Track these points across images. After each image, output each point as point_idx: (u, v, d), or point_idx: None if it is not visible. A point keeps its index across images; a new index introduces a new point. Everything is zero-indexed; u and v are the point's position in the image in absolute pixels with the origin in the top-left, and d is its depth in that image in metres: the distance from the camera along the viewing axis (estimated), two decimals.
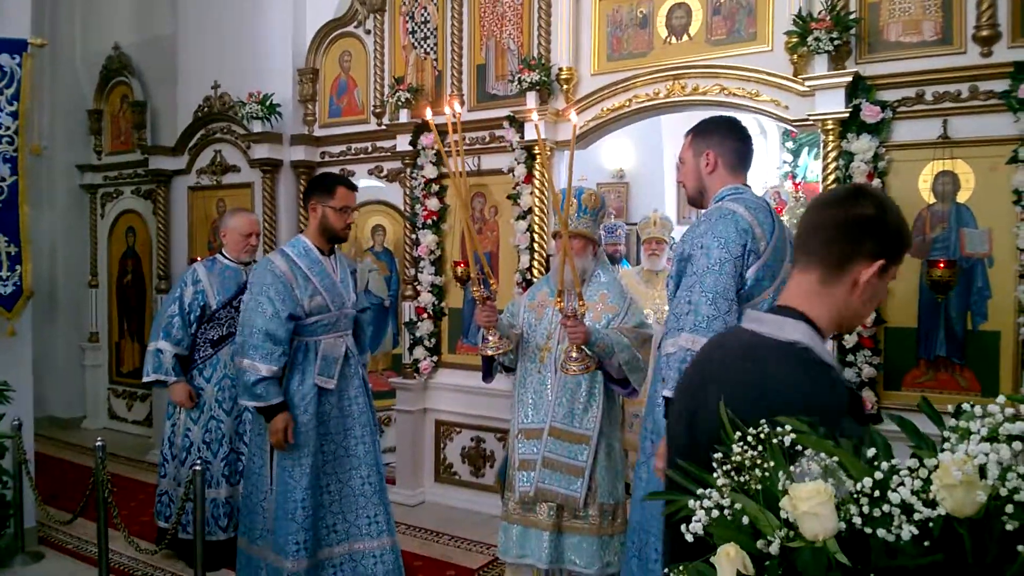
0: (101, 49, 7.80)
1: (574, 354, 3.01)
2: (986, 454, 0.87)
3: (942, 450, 0.95)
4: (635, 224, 7.25)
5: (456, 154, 3.12)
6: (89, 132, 8.02)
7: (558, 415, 3.36)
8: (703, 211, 2.74)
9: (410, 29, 5.83)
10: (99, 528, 3.86)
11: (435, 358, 5.65)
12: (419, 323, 5.62)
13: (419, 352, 5.63)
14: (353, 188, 3.72)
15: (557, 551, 3.35)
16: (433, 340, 5.64)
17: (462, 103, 5.55)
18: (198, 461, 3.69)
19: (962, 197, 3.99)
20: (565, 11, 5.05)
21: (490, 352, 3.30)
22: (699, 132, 2.76)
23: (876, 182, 4.07)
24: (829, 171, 4.23)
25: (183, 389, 4.34)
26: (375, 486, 3.73)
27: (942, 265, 3.78)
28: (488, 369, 3.64)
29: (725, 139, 2.71)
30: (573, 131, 3.07)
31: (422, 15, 5.77)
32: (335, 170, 6.22)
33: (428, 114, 3.31)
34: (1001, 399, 0.93)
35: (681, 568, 1.08)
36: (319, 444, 3.57)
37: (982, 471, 0.89)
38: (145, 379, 4.37)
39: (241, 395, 3.52)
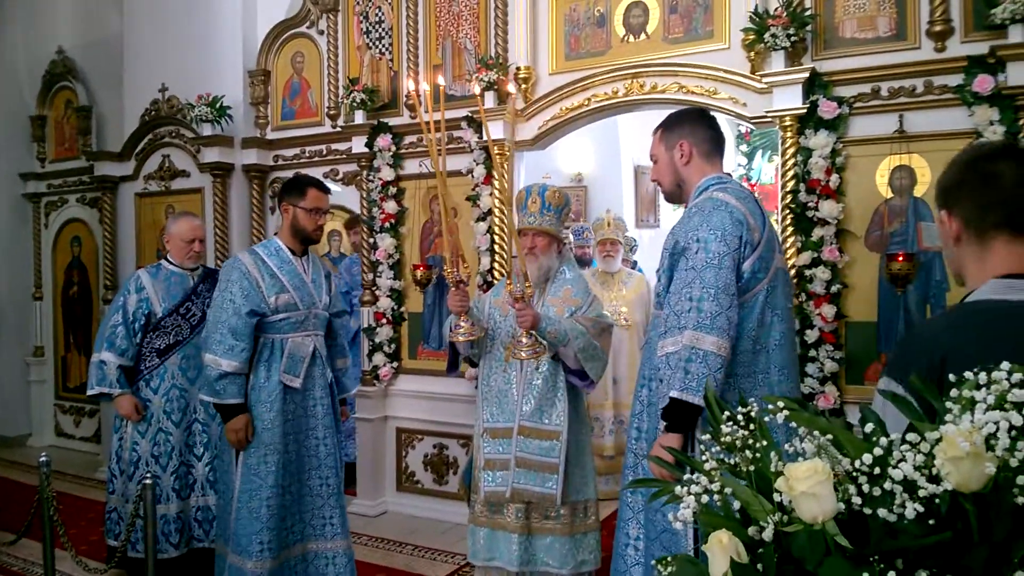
0: (44, 53, 7.54)
1: (523, 339, 2.98)
2: (995, 422, 0.82)
3: (942, 422, 0.90)
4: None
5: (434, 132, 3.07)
6: (32, 139, 7.75)
7: (526, 413, 3.30)
8: (691, 203, 2.67)
9: (364, 29, 5.73)
10: (45, 548, 3.67)
11: (395, 364, 5.54)
12: (378, 329, 5.51)
13: (378, 358, 5.51)
14: (325, 190, 3.75)
15: (528, 553, 3.28)
16: (393, 346, 5.53)
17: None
18: (147, 476, 3.54)
19: (919, 191, 4.03)
20: (522, 10, 5.00)
21: (462, 338, 3.24)
22: (668, 125, 2.73)
23: (834, 177, 4.08)
24: (788, 167, 4.24)
25: (129, 401, 4.17)
26: (332, 488, 3.68)
27: (901, 258, 3.80)
28: (454, 360, 3.58)
29: (696, 128, 2.67)
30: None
31: (376, 15, 5.68)
32: (289, 173, 6.08)
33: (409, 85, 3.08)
34: (1006, 365, 0.88)
35: (669, 559, 1.02)
36: (284, 443, 3.52)
37: (989, 443, 0.84)
38: (89, 392, 4.20)
39: (201, 389, 3.50)
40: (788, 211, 4.21)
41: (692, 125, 2.68)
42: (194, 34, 6.31)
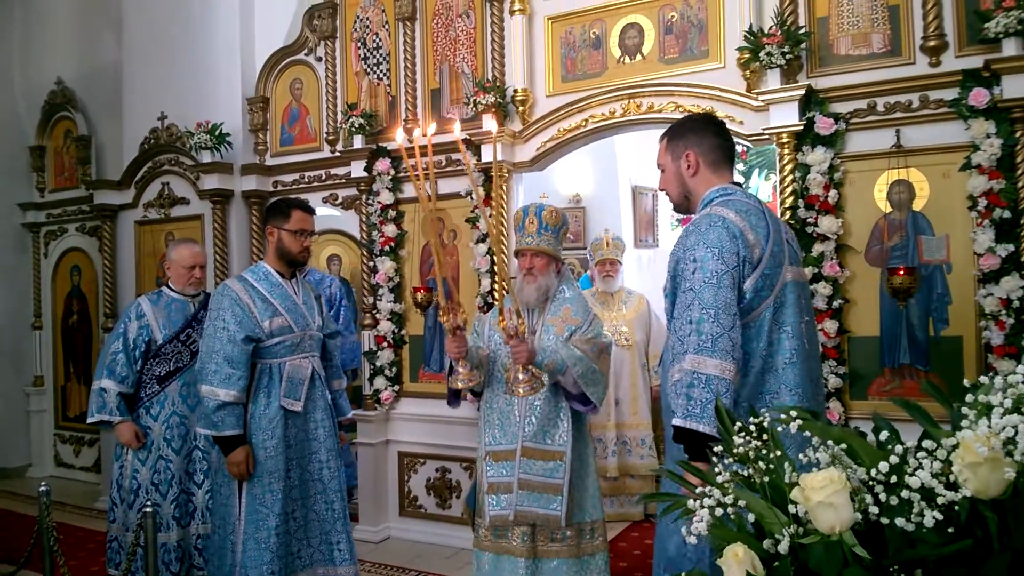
0: (43, 84, 7.59)
1: (520, 375, 2.93)
2: (1014, 426, 0.81)
3: (958, 428, 0.89)
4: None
5: (423, 178, 3.03)
6: (31, 169, 7.78)
7: (528, 434, 3.25)
8: (693, 219, 2.55)
9: (362, 55, 5.77)
10: None
11: (396, 388, 5.51)
12: (379, 352, 5.49)
13: (379, 382, 5.49)
14: (310, 211, 3.74)
15: None
16: (394, 369, 5.50)
17: (417, 128, 5.49)
18: (147, 504, 3.50)
19: (917, 205, 4.03)
20: (518, 34, 5.04)
21: (460, 385, 3.16)
22: (675, 134, 2.63)
23: (832, 193, 4.09)
24: (786, 184, 4.25)
25: (129, 429, 4.13)
26: (338, 512, 3.65)
27: (902, 272, 3.79)
28: (455, 394, 3.54)
29: (704, 137, 2.56)
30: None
31: (374, 41, 5.72)
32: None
33: (399, 136, 3.04)
34: (1022, 368, 0.87)
35: (685, 575, 1.00)
36: (287, 469, 3.48)
37: (1007, 447, 0.83)
38: (89, 420, 4.18)
39: (199, 422, 3.46)
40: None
41: (699, 134, 2.57)
42: (192, 62, 6.35)
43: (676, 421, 2.25)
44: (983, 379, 0.92)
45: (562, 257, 3.53)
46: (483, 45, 5.25)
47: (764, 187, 9.58)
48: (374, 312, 5.54)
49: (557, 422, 3.26)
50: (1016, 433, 0.82)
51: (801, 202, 4.16)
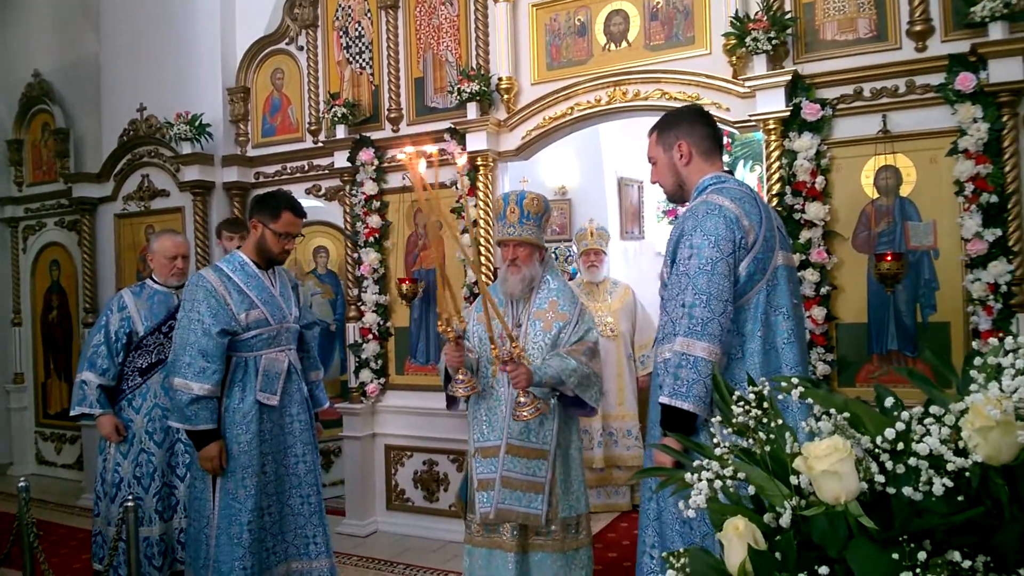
0: (20, 77, 7.45)
1: (521, 398, 2.91)
2: None
3: (966, 393, 0.85)
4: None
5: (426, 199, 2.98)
6: (9, 163, 7.63)
7: (514, 431, 3.18)
8: (688, 205, 2.63)
9: (344, 44, 5.70)
10: None
11: (382, 380, 5.46)
12: (364, 344, 5.43)
13: (365, 375, 5.43)
14: (301, 215, 3.60)
15: (523, 571, 3.19)
16: (380, 361, 5.45)
17: (401, 117, 5.44)
18: (129, 497, 3.43)
19: (905, 191, 4.02)
20: (502, 21, 4.99)
21: (462, 394, 3.15)
22: (665, 126, 2.68)
23: (820, 179, 4.07)
24: (773, 170, 4.23)
25: (109, 421, 4.10)
26: (314, 506, 3.60)
27: (889, 258, 3.78)
28: (453, 399, 3.46)
29: (694, 126, 2.63)
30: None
31: (356, 30, 5.65)
32: (271, 190, 6.02)
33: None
34: None
35: (680, 552, 0.96)
36: (261, 464, 3.41)
37: (1017, 411, 0.80)
38: (72, 413, 4.18)
39: (172, 416, 3.37)
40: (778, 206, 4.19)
41: (689, 124, 2.63)
42: (171, 52, 6.26)
43: (663, 399, 2.35)
44: (992, 340, 0.88)
45: (545, 244, 3.44)
46: (467, 33, 5.20)
47: (749, 178, 9.58)
48: (359, 304, 5.48)
49: (543, 420, 3.18)
50: None
51: (788, 189, 4.14)
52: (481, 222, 4.99)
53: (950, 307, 3.91)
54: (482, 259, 5.00)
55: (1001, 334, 3.62)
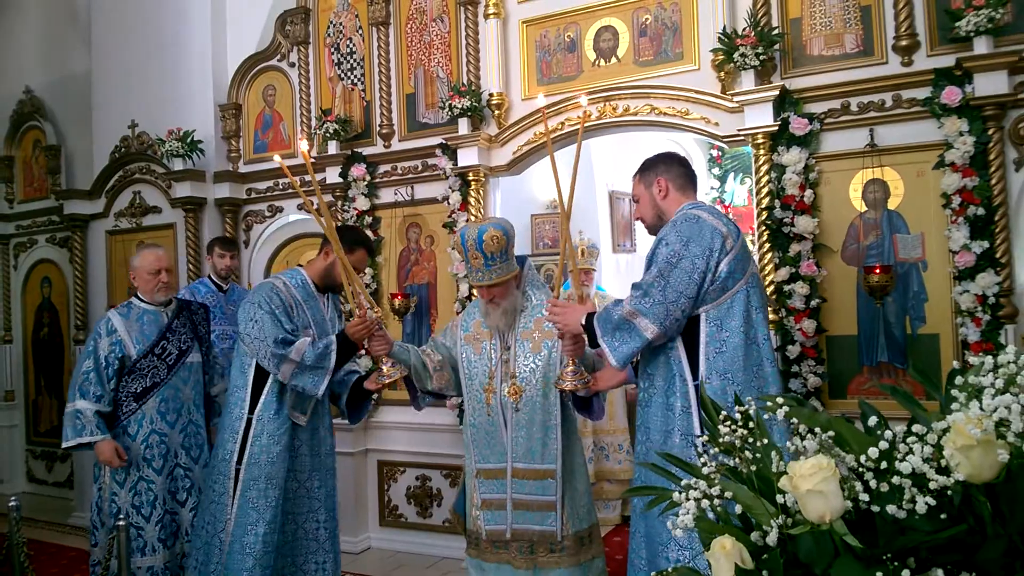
0: (11, 93, 7.46)
1: (570, 367, 2.93)
2: (1007, 406, 0.79)
3: (948, 411, 0.86)
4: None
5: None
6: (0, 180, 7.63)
7: (518, 454, 3.13)
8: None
9: (336, 61, 5.72)
10: None
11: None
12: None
13: None
14: (372, 254, 3.88)
15: None
16: None
17: (392, 133, 5.46)
18: (121, 518, 3.38)
19: (892, 204, 4.06)
20: (493, 37, 5.02)
21: (387, 381, 3.14)
22: (644, 168, 2.96)
23: (808, 193, 4.10)
24: (762, 184, 4.26)
25: (109, 446, 3.82)
26: (330, 531, 3.61)
27: (878, 271, 3.81)
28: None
29: (670, 166, 2.91)
30: (583, 120, 3.16)
31: (348, 46, 5.68)
32: (263, 206, 6.05)
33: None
34: (1012, 348, 0.85)
35: (669, 571, 0.96)
36: (285, 479, 3.44)
37: (999, 429, 0.81)
38: (65, 444, 3.85)
39: (310, 386, 3.35)
40: (764, 228, 4.22)
41: (666, 164, 2.92)
42: (163, 69, 6.27)
43: (597, 330, 2.67)
44: (973, 359, 0.89)
45: (518, 265, 3.21)
46: (458, 49, 5.23)
47: (740, 190, 9.63)
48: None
49: (546, 440, 3.11)
50: (1009, 413, 0.80)
51: (777, 202, 4.17)
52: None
53: (939, 319, 3.93)
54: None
55: (990, 345, 3.69)
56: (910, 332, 3.99)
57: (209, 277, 5.32)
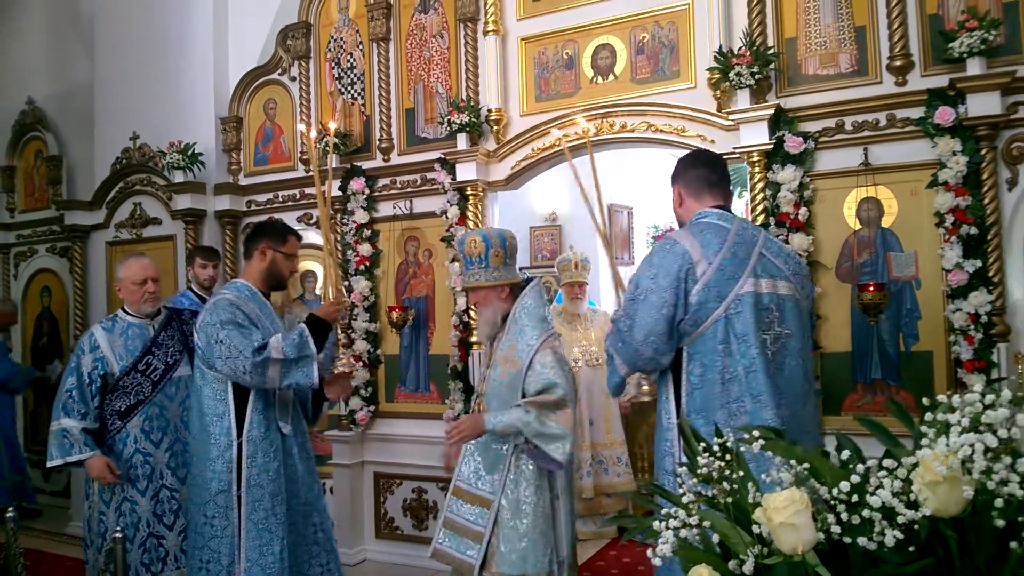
0: (13, 103, 7.52)
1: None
2: (971, 445, 0.81)
3: (918, 447, 0.89)
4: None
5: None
6: (1, 190, 7.68)
7: (463, 474, 3.10)
8: (663, 236, 2.87)
9: (336, 75, 5.77)
10: None
11: (372, 408, 5.47)
12: (354, 372, 5.44)
13: (355, 402, 5.44)
14: (300, 239, 3.69)
15: None
16: (369, 389, 5.46)
17: (391, 147, 5.50)
18: (117, 531, 3.29)
19: (886, 222, 4.09)
20: (492, 54, 5.07)
21: (346, 371, 3.40)
22: (672, 175, 2.85)
23: (803, 211, 4.14)
24: (757, 201, 4.30)
25: (100, 462, 3.67)
26: (326, 531, 3.60)
27: (872, 288, 3.84)
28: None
29: (687, 171, 2.77)
30: (587, 139, 3.09)
31: (348, 61, 5.73)
32: (263, 219, 6.06)
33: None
34: (979, 387, 0.88)
35: None
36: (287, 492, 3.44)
37: (965, 465, 0.84)
38: (50, 464, 3.75)
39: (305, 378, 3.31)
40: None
41: (684, 169, 2.79)
42: (165, 82, 6.32)
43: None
44: (941, 397, 0.92)
45: (509, 278, 3.20)
46: (457, 65, 5.28)
47: (737, 204, 9.66)
48: (349, 331, 5.50)
49: (498, 467, 3.02)
50: (973, 452, 0.82)
51: (772, 220, 4.20)
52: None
53: (932, 337, 3.96)
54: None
55: (982, 363, 3.71)
56: (903, 349, 4.02)
57: (190, 288, 5.11)
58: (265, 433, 3.35)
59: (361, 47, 5.67)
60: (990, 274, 3.79)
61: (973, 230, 3.79)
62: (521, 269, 3.45)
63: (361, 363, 5.43)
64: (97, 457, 3.70)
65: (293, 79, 5.96)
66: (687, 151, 4.89)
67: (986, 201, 3.81)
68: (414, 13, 5.45)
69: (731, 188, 2.82)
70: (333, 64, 5.79)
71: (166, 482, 3.84)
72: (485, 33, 5.09)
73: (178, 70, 6.29)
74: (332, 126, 4.10)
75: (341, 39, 5.76)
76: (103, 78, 6.68)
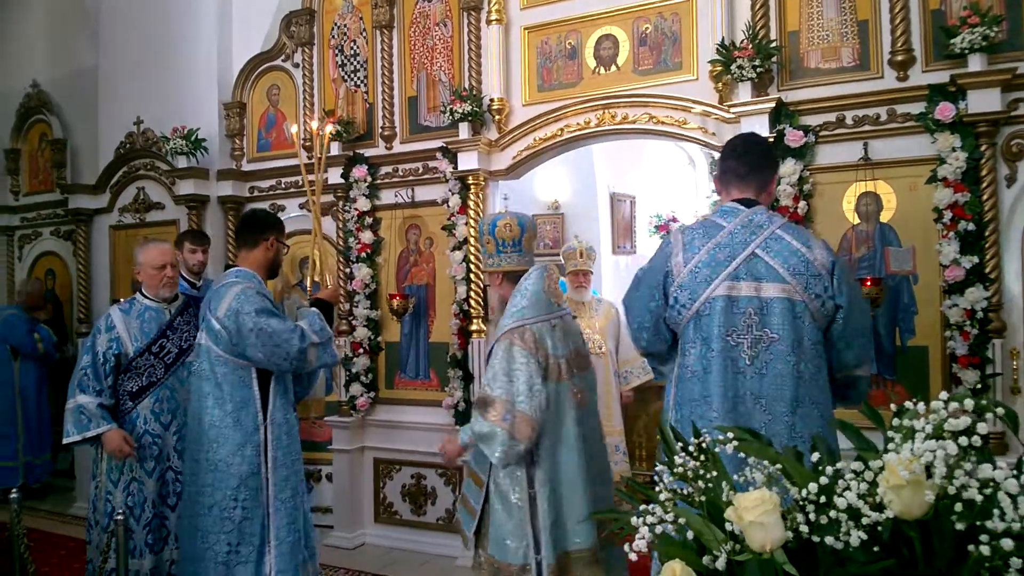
0: (18, 86, 7.54)
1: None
2: (932, 451, 0.84)
3: (886, 451, 0.92)
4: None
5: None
6: (6, 172, 7.71)
7: (471, 454, 3.15)
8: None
9: (339, 62, 5.78)
10: None
11: (372, 394, 5.52)
12: (355, 359, 5.49)
13: (355, 388, 5.49)
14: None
15: None
16: (370, 376, 5.51)
17: (394, 135, 5.52)
18: (119, 513, 3.34)
19: (885, 217, 4.10)
20: (495, 43, 5.07)
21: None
22: None
23: (802, 204, 4.15)
24: None
25: (117, 435, 3.73)
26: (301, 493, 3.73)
27: (869, 283, 3.86)
28: None
29: (720, 163, 2.71)
30: None
31: (351, 48, 5.73)
32: (265, 205, 6.11)
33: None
34: (943, 395, 0.91)
35: None
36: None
37: (928, 470, 0.87)
38: (67, 440, 3.77)
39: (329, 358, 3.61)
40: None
41: (720, 162, 2.71)
42: (169, 67, 6.34)
43: None
44: (908, 404, 0.95)
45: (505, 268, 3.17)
46: (460, 54, 5.28)
47: None
48: (350, 319, 5.54)
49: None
50: (935, 458, 0.85)
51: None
52: (472, 240, 5.06)
53: (928, 331, 3.98)
54: (471, 276, 5.08)
55: (977, 359, 3.73)
56: (900, 344, 4.04)
57: (180, 274, 4.87)
58: (286, 416, 3.51)
59: (364, 34, 5.68)
60: (987, 270, 3.80)
61: (971, 226, 3.80)
62: (536, 269, 3.43)
63: (362, 349, 5.48)
64: (114, 431, 3.77)
65: (296, 65, 5.97)
66: (691, 143, 4.97)
67: (984, 197, 3.82)
68: (417, 1, 5.45)
69: (768, 173, 2.67)
70: (336, 51, 5.80)
71: (172, 464, 3.93)
72: (488, 22, 5.10)
73: (182, 56, 6.30)
74: (328, 129, 4.13)
75: (345, 26, 5.76)
76: (107, 63, 6.70)
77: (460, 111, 4.99)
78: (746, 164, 2.64)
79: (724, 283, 2.45)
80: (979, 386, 3.73)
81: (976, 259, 3.80)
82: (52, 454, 7.04)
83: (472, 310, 5.06)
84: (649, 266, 2.62)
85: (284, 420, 3.48)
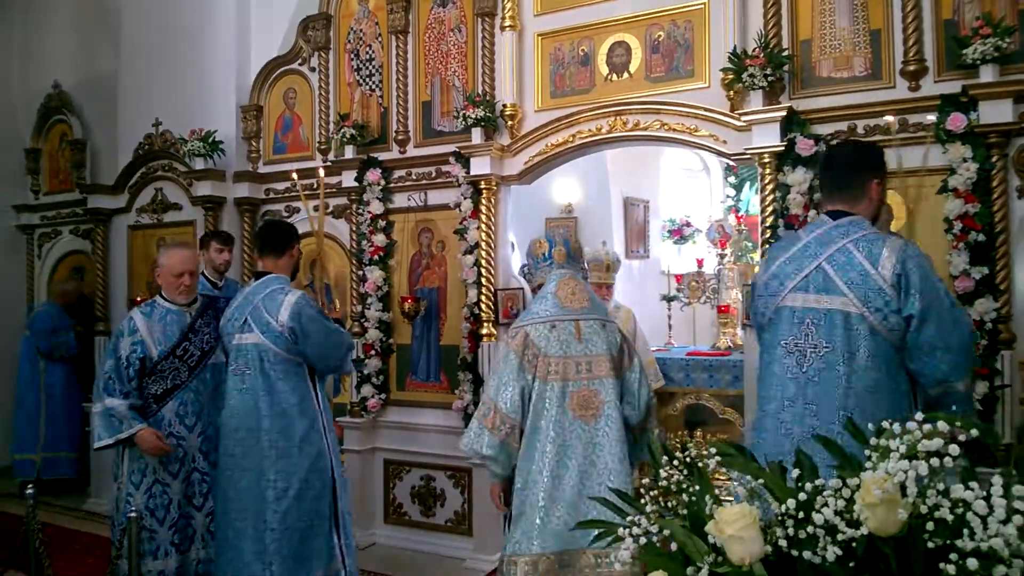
0: (40, 87, 7.67)
1: None
2: (905, 471, 0.87)
3: (864, 469, 0.95)
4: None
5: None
6: (26, 172, 7.84)
7: None
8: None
9: (355, 67, 5.84)
10: None
11: (383, 396, 5.57)
12: (367, 360, 5.54)
13: (367, 390, 5.54)
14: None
15: None
16: (381, 377, 5.56)
17: (408, 139, 5.57)
18: (132, 511, 3.36)
19: (895, 227, 4.09)
20: (508, 49, 5.11)
21: None
22: None
23: (812, 213, 4.15)
24: (767, 203, 4.32)
25: (151, 435, 3.73)
26: None
27: None
28: None
29: (819, 175, 2.89)
30: None
31: (367, 53, 5.79)
32: (280, 206, 6.19)
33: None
34: (919, 416, 0.94)
35: None
36: None
37: (903, 489, 0.89)
38: (98, 445, 3.79)
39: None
40: (768, 246, 4.27)
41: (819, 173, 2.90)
42: (188, 70, 6.43)
43: None
44: (885, 424, 0.98)
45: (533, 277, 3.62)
46: (474, 59, 5.33)
47: (756, 199, 9.63)
48: (362, 320, 5.59)
49: None
50: (907, 478, 0.88)
51: (781, 221, 4.23)
52: (483, 244, 5.10)
53: None
54: (483, 280, 5.12)
55: (985, 370, 3.73)
56: None
57: (202, 273, 4.92)
58: (325, 404, 3.86)
59: (380, 39, 5.73)
60: (996, 281, 3.80)
61: (981, 237, 3.80)
62: (525, 264, 3.76)
63: (374, 351, 5.53)
64: (147, 429, 3.76)
65: (313, 69, 6.04)
66: (699, 150, 4.97)
67: (995, 208, 3.81)
68: (433, 7, 5.50)
69: (859, 182, 2.64)
70: (352, 55, 5.86)
71: (198, 465, 3.92)
72: (502, 28, 5.14)
73: (200, 59, 6.39)
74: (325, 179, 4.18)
75: (360, 31, 5.82)
76: (127, 65, 6.80)
77: (473, 116, 5.03)
78: (830, 178, 2.73)
79: (790, 294, 2.61)
80: (988, 396, 3.73)
81: (986, 270, 3.79)
82: (79, 452, 7.10)
83: (483, 314, 5.10)
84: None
85: (325, 408, 3.85)
